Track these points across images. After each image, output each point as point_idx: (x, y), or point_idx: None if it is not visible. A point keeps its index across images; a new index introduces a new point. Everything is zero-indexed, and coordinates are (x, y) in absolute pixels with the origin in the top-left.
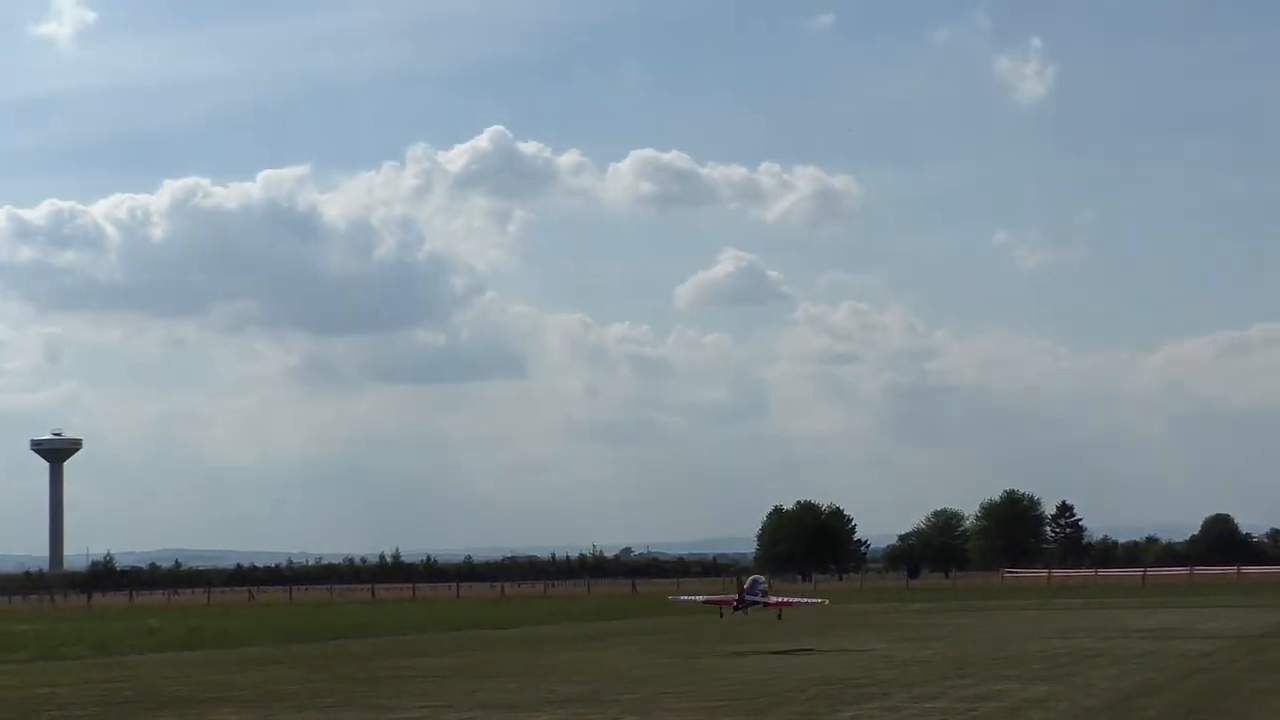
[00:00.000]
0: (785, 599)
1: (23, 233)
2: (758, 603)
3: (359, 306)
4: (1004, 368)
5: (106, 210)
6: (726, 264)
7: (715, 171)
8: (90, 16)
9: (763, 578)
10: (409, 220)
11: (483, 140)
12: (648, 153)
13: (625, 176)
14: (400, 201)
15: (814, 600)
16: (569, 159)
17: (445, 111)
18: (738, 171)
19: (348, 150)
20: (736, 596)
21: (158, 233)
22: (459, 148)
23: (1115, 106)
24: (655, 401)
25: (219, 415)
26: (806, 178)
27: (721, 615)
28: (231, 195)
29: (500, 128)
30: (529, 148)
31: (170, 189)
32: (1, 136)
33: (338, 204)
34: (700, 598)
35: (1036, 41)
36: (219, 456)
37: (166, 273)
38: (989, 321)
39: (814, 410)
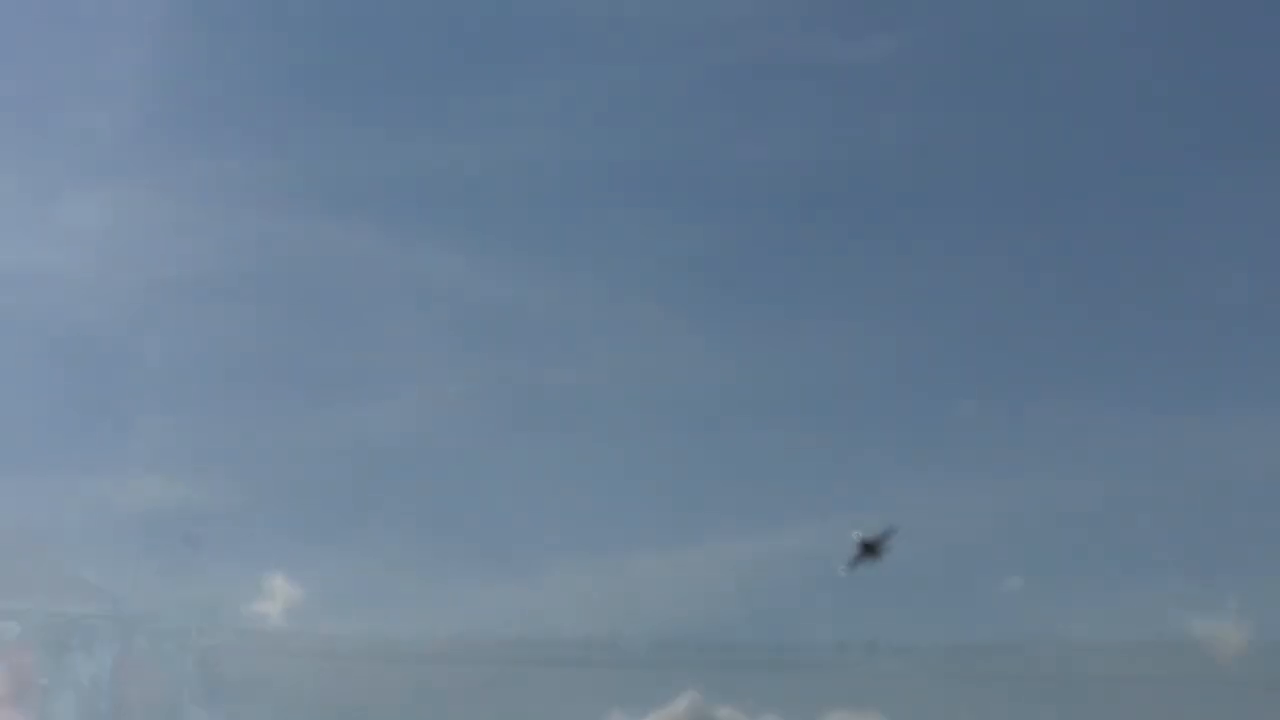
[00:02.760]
0: None
1: None
2: None
3: None
4: None
5: None
6: None
7: None
8: (299, 594)
9: None
10: None
11: (679, 706)
12: (842, 714)
13: None
14: None
15: None
16: None
17: (639, 677)
18: None
19: None
20: None
21: None
22: (654, 715)
23: None
24: None
25: None
26: None
27: None
28: None
29: (694, 693)
30: (724, 713)
31: None
32: None
33: None
34: None
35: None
36: None
37: None
38: None
39: None
